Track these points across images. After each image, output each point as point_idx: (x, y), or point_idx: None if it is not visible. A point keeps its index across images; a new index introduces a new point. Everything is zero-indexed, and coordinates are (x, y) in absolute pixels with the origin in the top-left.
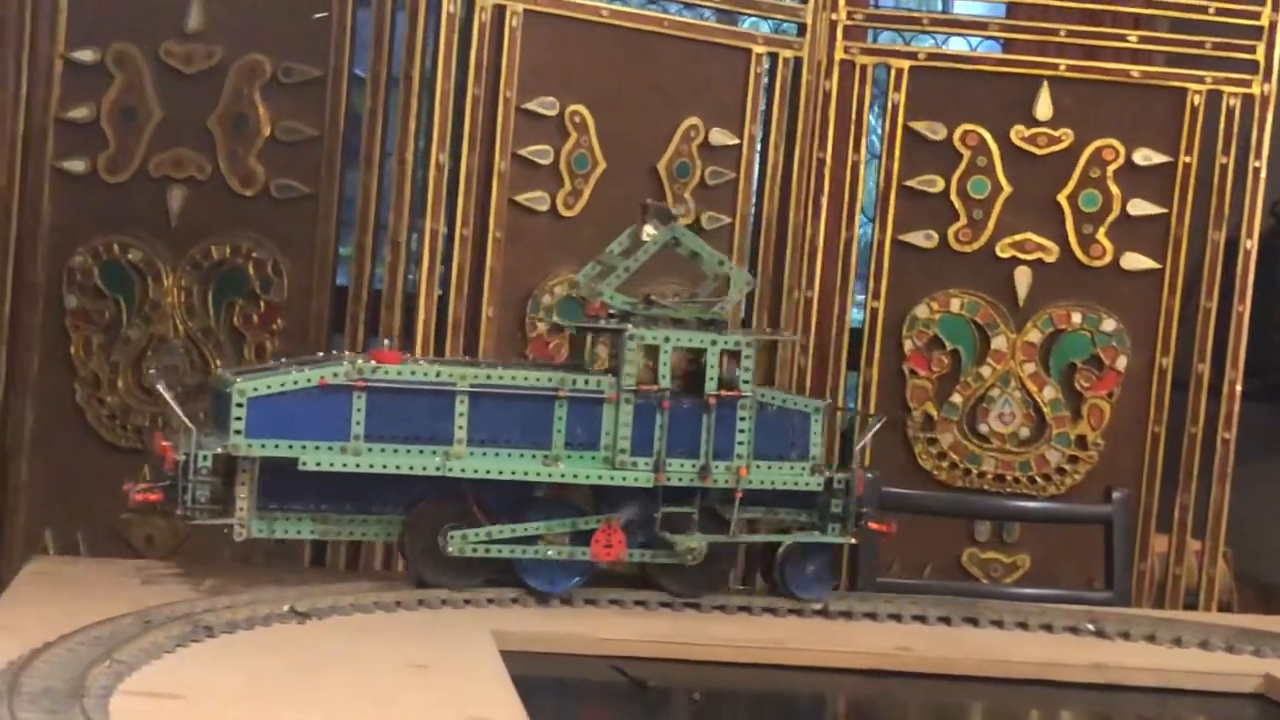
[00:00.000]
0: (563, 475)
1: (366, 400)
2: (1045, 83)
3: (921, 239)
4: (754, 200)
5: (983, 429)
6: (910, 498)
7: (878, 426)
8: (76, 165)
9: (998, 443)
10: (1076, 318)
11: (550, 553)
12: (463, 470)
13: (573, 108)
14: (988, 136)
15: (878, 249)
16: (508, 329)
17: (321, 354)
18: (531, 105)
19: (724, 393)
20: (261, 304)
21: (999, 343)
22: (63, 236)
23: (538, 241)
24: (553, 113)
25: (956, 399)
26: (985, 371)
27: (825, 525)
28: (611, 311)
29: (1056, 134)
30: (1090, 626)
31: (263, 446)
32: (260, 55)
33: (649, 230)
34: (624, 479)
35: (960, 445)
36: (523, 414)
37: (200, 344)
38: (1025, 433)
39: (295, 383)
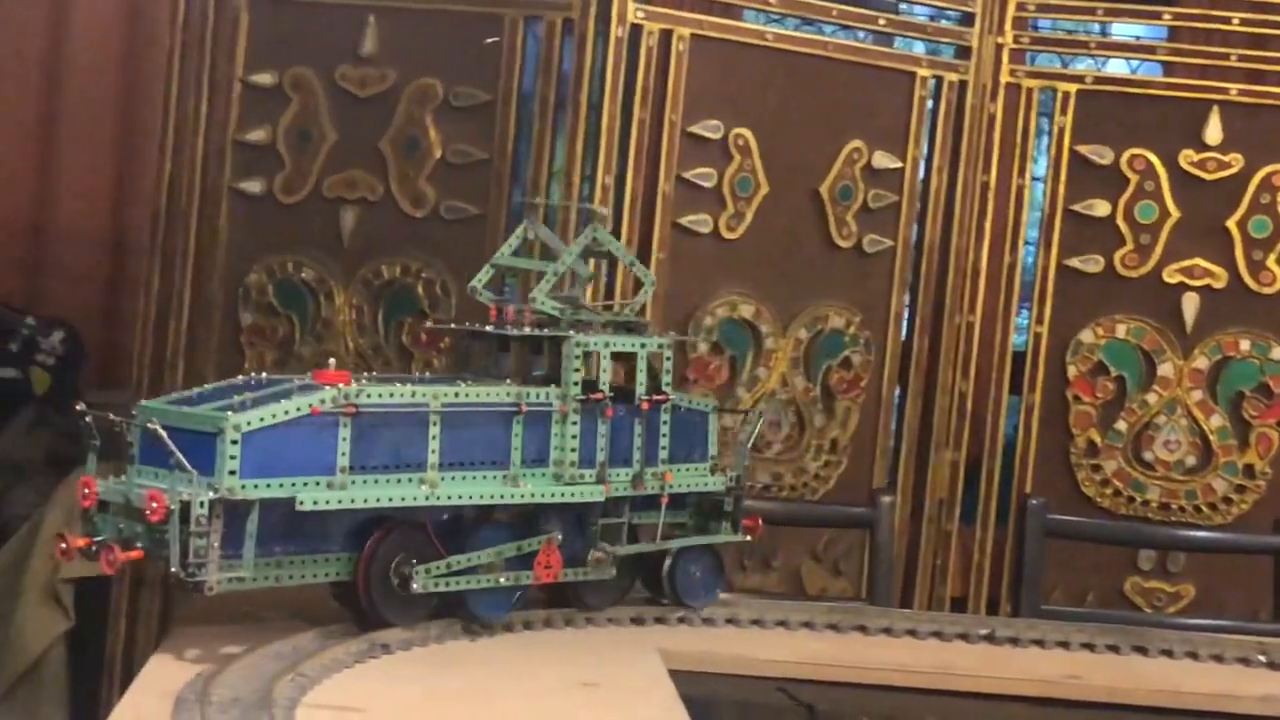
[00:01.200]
0: (528, 495)
1: (352, 428)
2: (1215, 107)
3: (1088, 264)
4: (916, 224)
5: (1148, 456)
6: (1080, 526)
7: (760, 422)
8: (253, 186)
9: (1163, 470)
10: (1245, 345)
11: (502, 580)
12: (440, 498)
13: (737, 131)
14: (1155, 161)
15: (1042, 273)
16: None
17: (244, 378)
18: (696, 129)
19: (655, 397)
20: (429, 323)
21: (1165, 369)
22: (239, 255)
23: (700, 263)
24: (717, 136)
25: (1121, 425)
26: (1151, 398)
27: (717, 525)
28: (533, 318)
29: (1226, 159)
30: (1262, 657)
31: (264, 487)
32: (432, 79)
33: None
34: (577, 494)
35: (1124, 472)
36: (484, 433)
37: (370, 360)
38: (1191, 461)
39: (286, 412)
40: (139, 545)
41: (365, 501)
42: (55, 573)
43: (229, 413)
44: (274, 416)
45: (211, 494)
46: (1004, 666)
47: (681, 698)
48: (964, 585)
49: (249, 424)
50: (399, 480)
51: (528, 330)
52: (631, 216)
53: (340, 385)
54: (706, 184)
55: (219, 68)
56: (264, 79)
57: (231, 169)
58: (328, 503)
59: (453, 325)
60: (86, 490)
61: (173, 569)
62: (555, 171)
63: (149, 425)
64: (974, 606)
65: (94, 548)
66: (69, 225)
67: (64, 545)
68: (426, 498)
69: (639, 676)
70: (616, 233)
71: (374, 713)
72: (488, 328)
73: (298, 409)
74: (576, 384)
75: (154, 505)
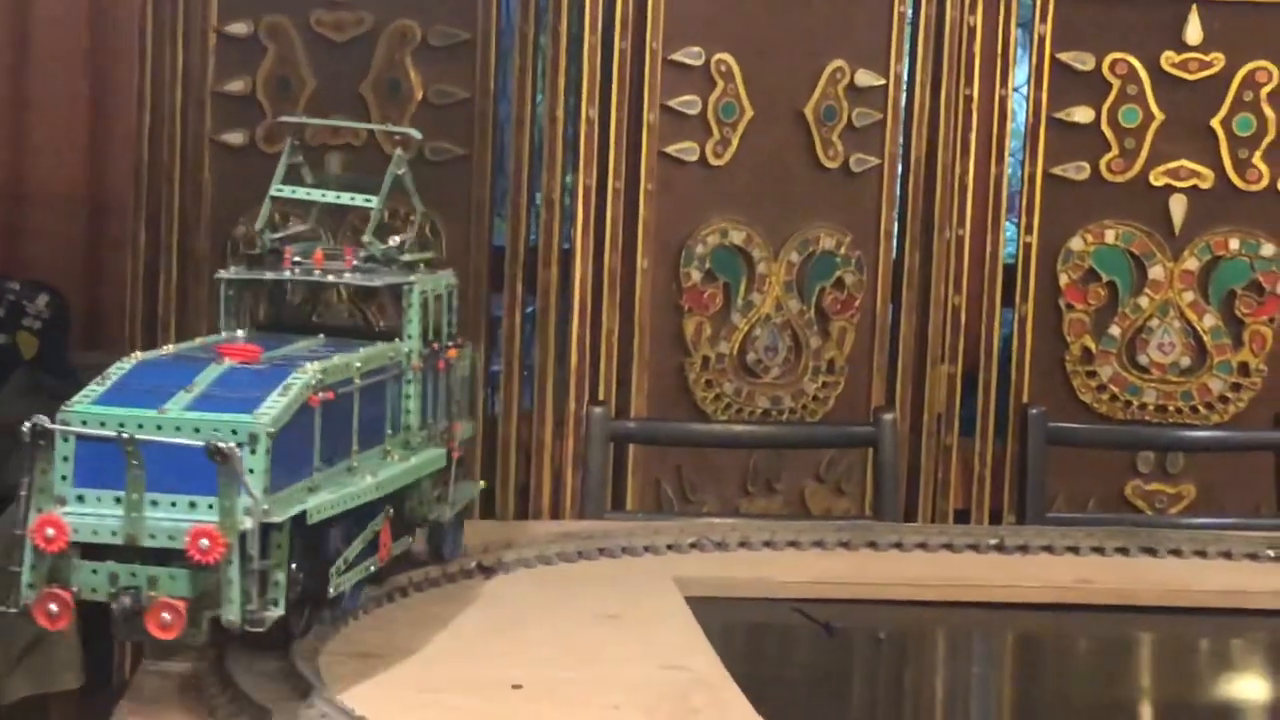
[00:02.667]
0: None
1: (324, 416)
2: (1194, 6)
3: (1073, 171)
4: (902, 140)
5: (1142, 360)
6: (1080, 432)
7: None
8: (235, 138)
9: (1158, 373)
10: (1234, 244)
11: (372, 567)
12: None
13: (718, 57)
14: (1137, 64)
15: (1029, 183)
16: (662, 281)
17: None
18: (678, 56)
19: (456, 344)
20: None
21: (1156, 272)
22: (225, 208)
23: (689, 192)
24: (699, 62)
25: (1115, 331)
26: (1143, 302)
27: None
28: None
29: (1208, 58)
30: (1270, 552)
31: (285, 502)
32: (409, 20)
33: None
34: (436, 461)
35: (1120, 377)
36: (371, 405)
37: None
38: (1186, 362)
39: (290, 406)
40: (174, 594)
41: (357, 500)
42: None
43: (249, 414)
44: (287, 411)
45: (253, 519)
46: (1015, 575)
47: (700, 624)
48: (966, 498)
49: (275, 425)
50: (351, 471)
51: (359, 277)
52: (618, 148)
53: (311, 365)
54: (691, 111)
55: (192, 19)
56: (239, 28)
57: (212, 121)
58: (333, 508)
59: (268, 274)
60: (51, 530)
61: (230, 618)
62: (539, 107)
63: (123, 437)
64: (977, 518)
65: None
66: (44, 188)
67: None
68: (378, 489)
69: (657, 606)
70: (603, 166)
71: (397, 657)
72: (317, 274)
73: (298, 399)
74: (417, 337)
75: (204, 543)
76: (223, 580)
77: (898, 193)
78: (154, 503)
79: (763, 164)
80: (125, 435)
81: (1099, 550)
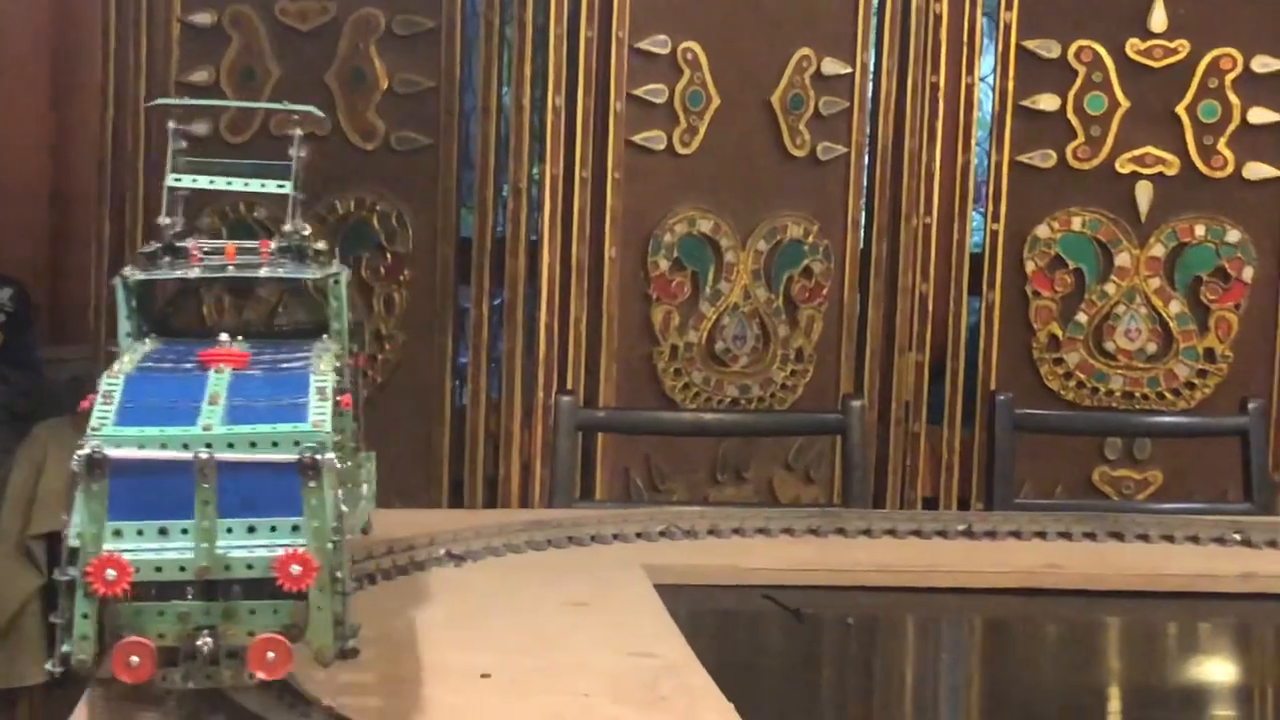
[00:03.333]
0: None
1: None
2: None
3: (1039, 159)
4: (869, 129)
5: (1109, 347)
6: (1048, 418)
7: None
8: (199, 128)
9: (1125, 360)
10: (1200, 230)
11: None
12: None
13: (685, 45)
14: (1102, 51)
15: (995, 171)
16: (630, 270)
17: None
18: (644, 44)
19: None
20: (388, 255)
21: (1122, 259)
22: (190, 199)
23: (656, 181)
24: (665, 51)
25: (1081, 318)
26: (1109, 289)
27: None
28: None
29: (1172, 45)
30: (1237, 536)
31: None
32: (373, 9)
33: None
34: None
35: (1087, 364)
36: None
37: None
38: (1152, 348)
39: (331, 411)
40: (261, 629)
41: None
42: (25, 530)
43: (305, 423)
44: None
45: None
46: (984, 560)
47: (669, 611)
48: (934, 485)
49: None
50: None
51: (285, 272)
52: (584, 137)
53: (322, 366)
54: (658, 100)
55: (156, 9)
56: (203, 18)
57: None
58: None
59: (182, 274)
60: (113, 572)
61: (323, 649)
62: (505, 96)
63: (201, 457)
64: (945, 505)
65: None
66: (8, 182)
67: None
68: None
69: (626, 594)
70: (570, 154)
71: (363, 646)
72: (234, 270)
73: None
74: (345, 334)
75: (296, 569)
76: (312, 608)
77: (865, 181)
78: (229, 530)
79: (730, 152)
80: (204, 455)
81: (1066, 535)
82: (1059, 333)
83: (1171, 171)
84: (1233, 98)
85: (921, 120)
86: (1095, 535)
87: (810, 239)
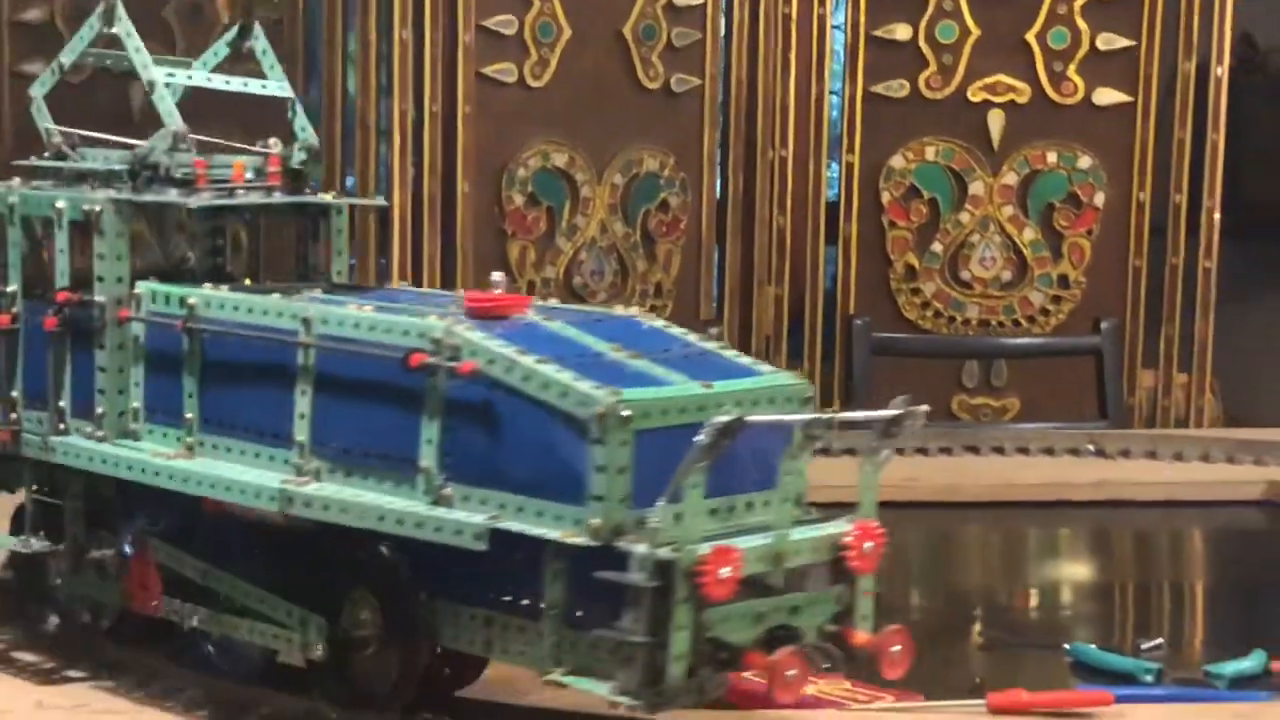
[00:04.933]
0: None
1: None
2: None
3: (893, 89)
4: (723, 61)
5: (965, 275)
6: (907, 341)
7: None
8: (35, 67)
9: (980, 288)
10: (1052, 157)
11: None
12: None
13: None
14: None
15: (849, 103)
16: (484, 206)
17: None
18: None
19: None
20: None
21: (976, 188)
22: (22, 142)
23: (508, 114)
24: None
25: (937, 247)
26: (964, 218)
27: None
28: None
29: None
30: (1091, 447)
31: None
32: None
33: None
34: None
35: (944, 293)
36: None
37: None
38: (1007, 276)
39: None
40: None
41: None
42: None
43: (787, 376)
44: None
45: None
46: (842, 475)
47: None
48: None
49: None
50: None
51: (281, 196)
52: (433, 70)
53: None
54: (507, 31)
55: None
56: None
57: (11, 52)
58: None
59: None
60: (727, 569)
61: (864, 634)
62: (351, 30)
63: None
64: None
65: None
66: None
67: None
68: None
69: None
70: (419, 89)
71: None
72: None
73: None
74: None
75: (869, 546)
76: (857, 592)
77: (719, 114)
78: (749, 505)
79: (583, 85)
80: (731, 419)
81: (923, 451)
82: (915, 263)
83: (1023, 99)
84: (1082, 24)
85: (775, 52)
86: (951, 450)
87: (666, 173)
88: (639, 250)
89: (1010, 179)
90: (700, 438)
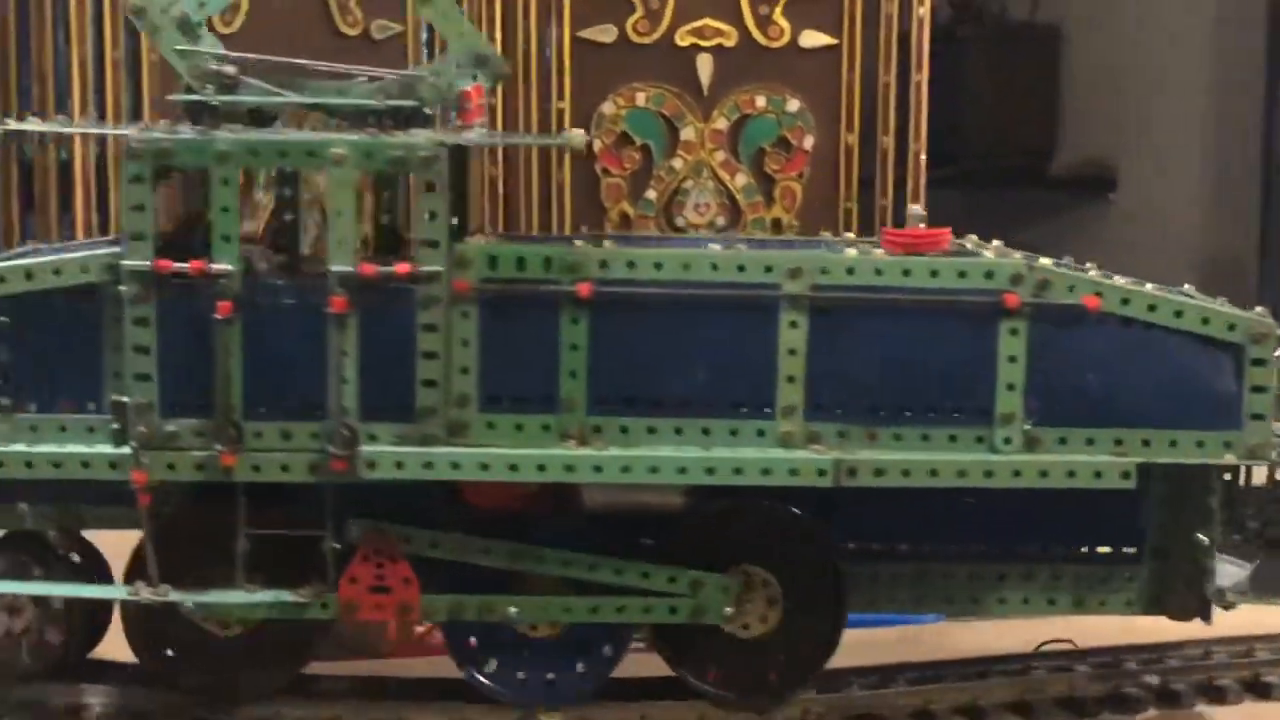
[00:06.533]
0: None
1: None
2: None
3: (600, 34)
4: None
5: (680, 222)
6: None
7: None
8: None
9: (696, 234)
10: (761, 101)
11: None
12: None
13: None
14: None
15: (557, 47)
16: None
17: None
18: None
19: None
20: None
21: (688, 133)
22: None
23: None
24: None
25: (651, 194)
26: (677, 164)
27: None
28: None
29: None
30: None
31: None
32: None
33: None
34: None
35: None
36: None
37: None
38: (721, 221)
39: None
40: None
41: None
42: None
43: None
44: None
45: None
46: None
47: None
48: None
49: None
50: None
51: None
52: (114, 17)
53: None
54: None
55: None
56: None
57: None
58: None
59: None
60: None
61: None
62: None
63: None
64: None
65: None
66: None
67: None
68: None
69: None
70: (100, 37)
71: None
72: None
73: None
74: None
75: None
76: None
77: (425, 59)
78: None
79: (277, 31)
80: None
81: None
82: (630, 210)
83: (730, 43)
84: None
85: None
86: None
87: None
88: None
89: (721, 124)
90: None
